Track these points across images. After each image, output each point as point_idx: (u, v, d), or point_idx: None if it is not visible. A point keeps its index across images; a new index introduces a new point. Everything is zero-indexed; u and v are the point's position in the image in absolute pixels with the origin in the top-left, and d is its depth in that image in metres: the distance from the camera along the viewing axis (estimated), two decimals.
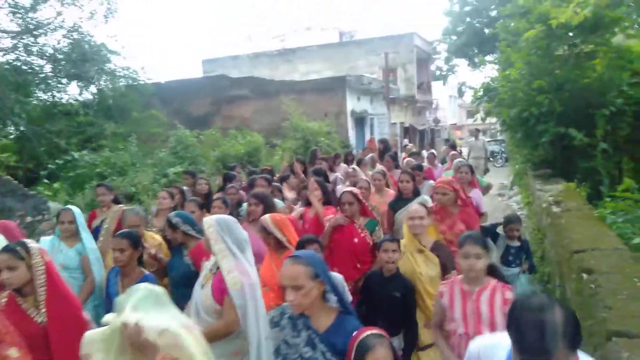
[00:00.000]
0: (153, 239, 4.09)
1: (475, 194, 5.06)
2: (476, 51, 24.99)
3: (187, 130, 14.19)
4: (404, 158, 9.99)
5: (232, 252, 2.73)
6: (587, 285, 2.99)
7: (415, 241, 3.35)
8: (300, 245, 3.07)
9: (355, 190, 4.06)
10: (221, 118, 19.13)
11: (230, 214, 4.86)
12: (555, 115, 7.20)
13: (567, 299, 3.66)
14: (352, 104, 19.80)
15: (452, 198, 4.05)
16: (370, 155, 8.88)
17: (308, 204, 4.61)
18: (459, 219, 3.98)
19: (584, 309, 2.95)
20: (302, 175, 6.81)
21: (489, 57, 21.35)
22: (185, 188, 6.31)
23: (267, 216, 3.38)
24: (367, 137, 20.22)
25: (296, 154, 14.07)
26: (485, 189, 6.27)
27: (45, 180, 11.09)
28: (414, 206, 3.44)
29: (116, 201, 5.10)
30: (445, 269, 3.24)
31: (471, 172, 5.29)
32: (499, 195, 12.69)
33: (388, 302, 3.12)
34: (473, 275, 2.57)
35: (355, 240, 3.78)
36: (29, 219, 8.19)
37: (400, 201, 4.73)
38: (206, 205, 5.07)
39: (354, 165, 7.27)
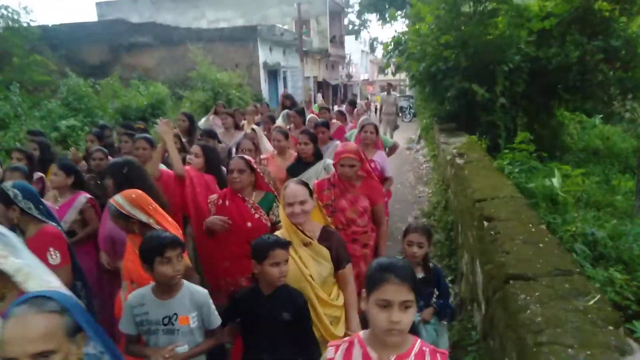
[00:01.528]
0: None
1: (379, 157, 4.56)
2: (387, 7, 25.22)
3: (80, 79, 12.84)
4: (311, 113, 8.65)
5: (29, 265, 1.83)
6: (488, 232, 3.13)
7: (299, 232, 2.43)
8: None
9: (249, 158, 3.27)
10: (120, 67, 17.59)
11: (84, 186, 3.80)
12: (461, 70, 7.47)
13: (470, 245, 3.85)
14: (265, 55, 19.16)
15: (358, 169, 3.32)
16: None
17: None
18: (362, 193, 3.29)
19: (485, 254, 3.10)
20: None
21: (399, 13, 21.63)
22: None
23: (117, 197, 2.55)
24: (281, 90, 19.81)
25: (205, 106, 13.39)
26: (391, 150, 5.68)
27: None
28: (290, 187, 2.47)
29: None
30: (339, 263, 2.48)
31: (376, 132, 4.70)
32: (407, 149, 13.16)
33: (273, 329, 2.22)
34: (393, 339, 1.46)
35: (249, 224, 3.04)
36: None
37: (299, 166, 4.11)
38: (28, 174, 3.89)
39: (254, 126, 6.21)
